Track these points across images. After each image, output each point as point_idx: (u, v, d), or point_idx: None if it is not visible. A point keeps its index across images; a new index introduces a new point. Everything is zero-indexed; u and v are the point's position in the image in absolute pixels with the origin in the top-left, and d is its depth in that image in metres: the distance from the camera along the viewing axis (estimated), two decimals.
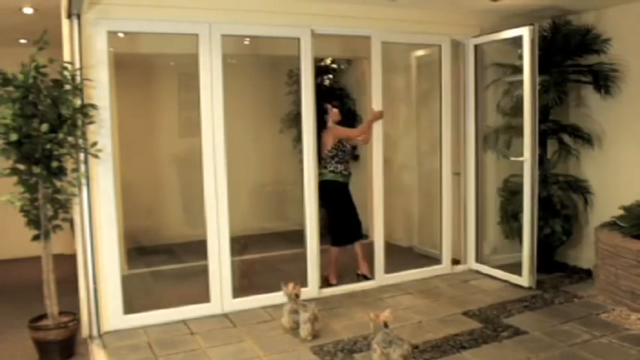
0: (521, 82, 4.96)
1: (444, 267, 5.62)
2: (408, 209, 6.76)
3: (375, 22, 5.07)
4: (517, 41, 5.04)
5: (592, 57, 5.22)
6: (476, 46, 5.50)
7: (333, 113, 5.37)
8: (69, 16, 3.92)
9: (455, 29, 5.48)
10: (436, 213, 5.84)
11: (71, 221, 4.10)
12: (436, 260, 5.71)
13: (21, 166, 3.66)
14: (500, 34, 5.21)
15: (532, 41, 4.80)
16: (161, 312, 4.44)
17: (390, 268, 5.34)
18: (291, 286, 4.19)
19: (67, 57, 3.95)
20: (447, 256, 5.62)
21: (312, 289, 4.89)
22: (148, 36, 5.24)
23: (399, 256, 6.04)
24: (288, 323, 4.16)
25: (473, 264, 5.68)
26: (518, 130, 5.09)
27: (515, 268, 5.13)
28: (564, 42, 5.23)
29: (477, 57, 5.52)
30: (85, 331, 4.13)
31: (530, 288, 4.96)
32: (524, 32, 4.85)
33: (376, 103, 5.21)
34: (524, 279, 5.02)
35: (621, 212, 4.77)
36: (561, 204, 5.30)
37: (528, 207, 4.95)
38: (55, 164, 3.66)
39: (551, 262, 5.49)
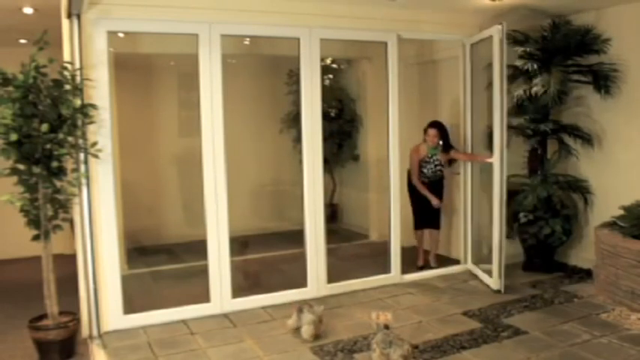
0: (520, 82, 4.96)
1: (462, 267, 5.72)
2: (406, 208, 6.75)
3: (386, 23, 5.07)
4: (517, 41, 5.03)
5: (592, 57, 5.22)
6: (472, 46, 5.49)
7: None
8: (69, 16, 3.92)
9: (454, 29, 5.47)
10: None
11: (71, 221, 4.10)
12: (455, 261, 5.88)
13: (21, 166, 3.66)
14: (482, 34, 5.14)
15: (501, 41, 4.72)
16: (161, 312, 4.44)
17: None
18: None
19: (67, 57, 3.95)
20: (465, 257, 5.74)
21: (311, 289, 4.89)
22: (148, 36, 5.24)
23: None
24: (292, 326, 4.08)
25: (472, 264, 5.68)
26: (518, 130, 5.09)
27: (514, 268, 5.11)
28: (564, 42, 5.23)
29: (473, 57, 5.48)
30: (85, 331, 4.13)
31: (499, 292, 4.87)
32: (494, 32, 4.79)
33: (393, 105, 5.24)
34: (494, 281, 4.94)
35: (621, 212, 4.76)
36: (561, 204, 5.30)
37: (497, 210, 4.85)
38: (55, 164, 3.66)
39: (551, 262, 5.48)
